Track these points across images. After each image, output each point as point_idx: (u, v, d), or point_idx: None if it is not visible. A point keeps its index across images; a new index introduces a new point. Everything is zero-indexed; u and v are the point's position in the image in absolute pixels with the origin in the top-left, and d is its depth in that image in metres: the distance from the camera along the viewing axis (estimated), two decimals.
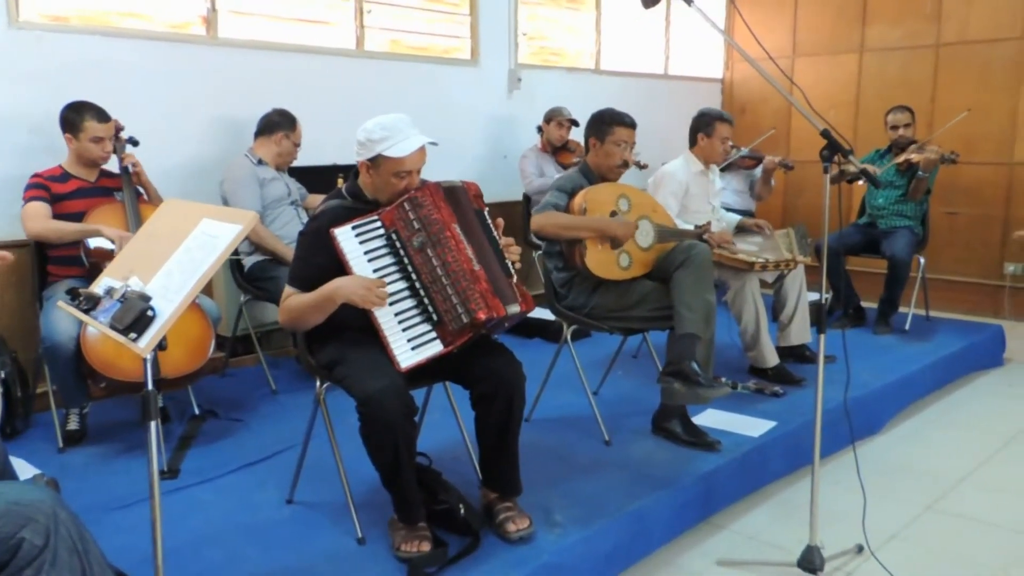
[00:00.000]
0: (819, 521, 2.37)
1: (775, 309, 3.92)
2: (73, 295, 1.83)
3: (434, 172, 2.44)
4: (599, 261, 2.93)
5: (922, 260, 4.82)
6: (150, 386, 1.75)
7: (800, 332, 3.87)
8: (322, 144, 4.16)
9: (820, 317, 2.29)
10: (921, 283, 4.83)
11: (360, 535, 2.31)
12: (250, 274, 3.68)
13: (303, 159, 3.96)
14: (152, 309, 1.63)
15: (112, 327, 1.64)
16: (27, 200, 3.07)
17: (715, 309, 2.90)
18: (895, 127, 4.73)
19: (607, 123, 3.09)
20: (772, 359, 3.66)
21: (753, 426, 3.12)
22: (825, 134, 2.19)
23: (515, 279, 2.33)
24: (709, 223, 3.36)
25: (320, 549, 2.28)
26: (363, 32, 4.62)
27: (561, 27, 5.82)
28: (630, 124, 3.10)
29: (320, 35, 4.47)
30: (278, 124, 3.74)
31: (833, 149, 2.19)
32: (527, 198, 5.04)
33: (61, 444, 3.00)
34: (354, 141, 2.29)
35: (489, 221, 2.38)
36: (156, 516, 1.76)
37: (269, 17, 4.24)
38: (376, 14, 4.68)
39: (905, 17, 5.91)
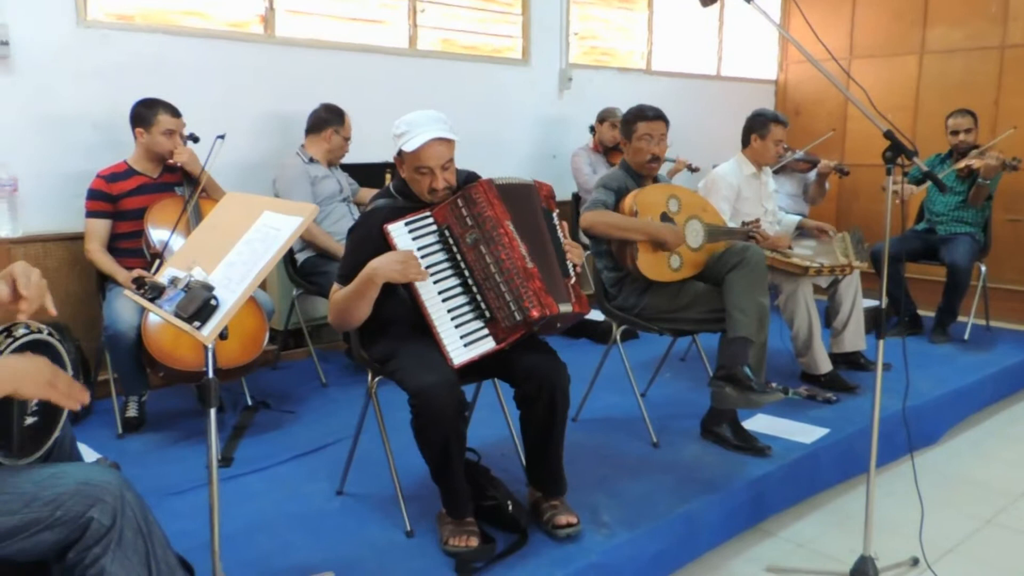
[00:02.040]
0: (874, 531, 2.32)
1: (828, 315, 3.84)
2: (138, 284, 1.89)
3: (484, 171, 2.45)
4: (650, 263, 2.91)
5: (983, 268, 4.68)
6: (210, 374, 1.80)
7: (854, 339, 3.79)
8: (374, 142, 4.19)
9: (880, 323, 2.24)
10: (982, 292, 4.69)
11: (409, 528, 2.33)
12: (302, 268, 3.74)
13: (355, 156, 4.01)
14: (215, 299, 1.66)
15: (176, 315, 1.68)
16: (89, 212, 3.19)
17: (768, 312, 2.85)
18: (956, 132, 4.60)
19: (631, 121, 3.08)
20: (825, 365, 3.59)
21: (805, 432, 3.06)
22: (889, 135, 2.14)
23: (573, 280, 2.33)
24: (758, 220, 3.31)
25: (369, 540, 2.30)
26: (416, 31, 4.66)
27: (612, 27, 5.80)
28: (652, 116, 3.04)
29: (374, 34, 4.52)
30: (327, 121, 3.78)
31: (897, 151, 2.14)
32: (577, 197, 5.04)
33: (120, 430, 3.09)
34: None
35: (556, 222, 2.38)
36: (214, 502, 1.81)
37: (325, 16, 4.31)
38: (429, 13, 4.72)
39: (969, 18, 5.75)
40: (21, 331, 1.55)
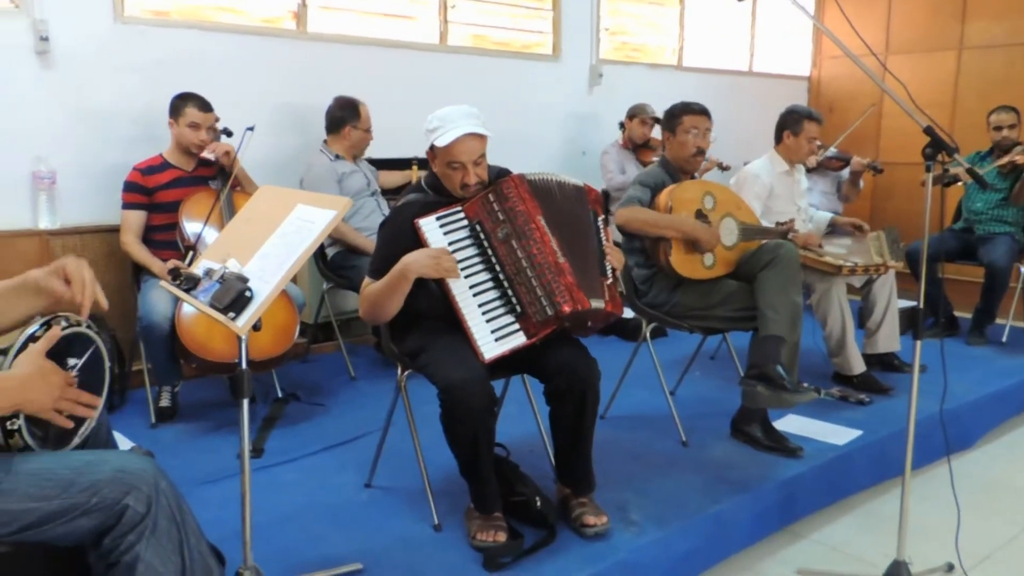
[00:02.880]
0: (908, 535, 2.28)
1: (862, 315, 3.78)
2: (174, 275, 1.91)
3: (513, 167, 2.45)
4: (683, 260, 2.88)
5: (1023, 269, 4.58)
6: (244, 365, 1.81)
7: (888, 339, 3.73)
8: (404, 137, 4.20)
9: (917, 323, 2.20)
10: (1021, 293, 4.59)
11: (436, 522, 2.33)
12: (332, 262, 3.76)
13: (385, 151, 4.03)
14: (250, 290, 1.68)
15: (212, 306, 1.69)
16: (125, 204, 3.24)
17: (801, 311, 2.82)
18: (999, 127, 4.50)
19: (676, 114, 3.07)
20: (858, 366, 3.53)
21: (837, 434, 3.02)
22: (929, 131, 2.10)
23: (610, 281, 2.32)
24: (793, 220, 3.27)
25: (397, 533, 2.31)
26: (446, 27, 4.66)
27: (643, 22, 5.76)
28: (699, 111, 3.06)
29: (405, 30, 4.53)
30: (342, 119, 3.77)
31: (937, 147, 2.09)
32: (606, 194, 5.01)
33: (153, 420, 3.14)
34: None
35: (601, 225, 2.38)
36: (247, 491, 1.82)
37: (356, 12, 4.33)
38: (460, 9, 4.72)
39: (1010, 12, 5.62)
40: (62, 324, 1.58)
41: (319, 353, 4.12)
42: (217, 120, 3.42)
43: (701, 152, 3.04)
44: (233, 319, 1.65)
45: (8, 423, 1.45)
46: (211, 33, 3.78)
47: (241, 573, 1.84)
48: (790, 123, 3.72)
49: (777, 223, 3.24)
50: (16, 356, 1.49)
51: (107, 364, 1.73)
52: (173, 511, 1.48)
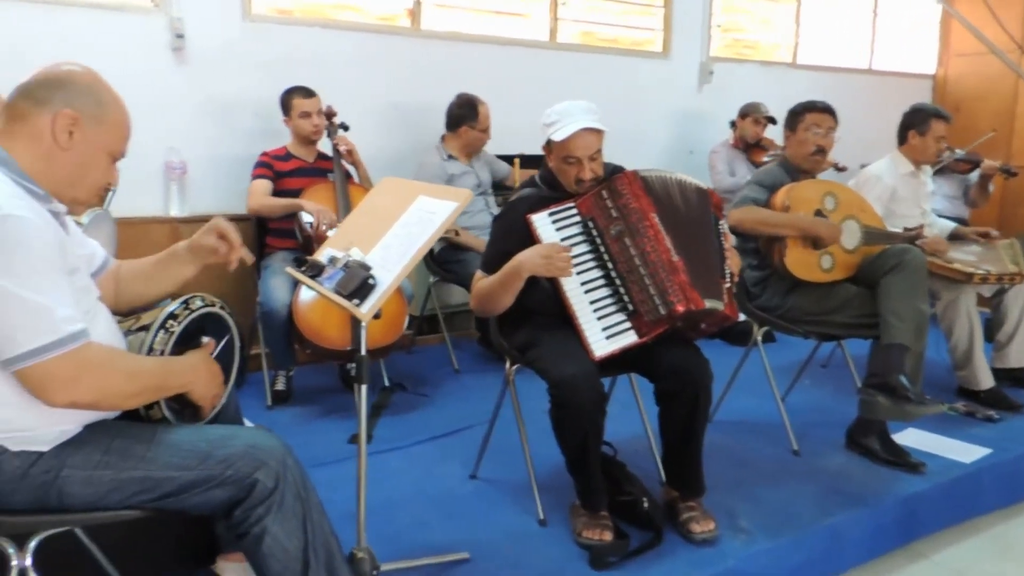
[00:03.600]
0: None
1: (992, 327, 3.54)
2: (299, 262, 1.98)
3: (620, 163, 2.41)
4: (799, 261, 2.78)
5: None
6: (363, 351, 1.86)
7: (1020, 354, 3.49)
8: (512, 133, 4.23)
9: None
10: None
11: (542, 516, 2.33)
12: (439, 256, 3.82)
13: (493, 147, 4.05)
14: (373, 278, 1.72)
15: (337, 292, 1.75)
16: (254, 177, 3.39)
17: (928, 320, 2.67)
18: None
19: (798, 112, 2.99)
20: (986, 380, 3.32)
21: (963, 451, 2.85)
22: None
23: (728, 284, 2.26)
24: (922, 226, 3.10)
25: (502, 526, 2.32)
26: (557, 24, 4.66)
27: (756, 19, 5.60)
28: (822, 108, 2.96)
29: (516, 27, 4.56)
30: (461, 117, 3.82)
31: None
32: None
33: (269, 402, 3.27)
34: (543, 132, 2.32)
35: (722, 229, 2.34)
36: (362, 474, 1.88)
37: (469, 10, 4.38)
38: (570, 6, 4.71)
39: None
40: (197, 303, 1.66)
41: (423, 345, 4.20)
42: (334, 114, 3.54)
43: (822, 151, 2.93)
44: (357, 305, 1.69)
45: None
46: (331, 31, 3.91)
47: (355, 554, 1.89)
48: (916, 122, 3.53)
49: (904, 228, 3.08)
50: (157, 332, 1.58)
51: (238, 344, 1.81)
52: (299, 488, 1.54)
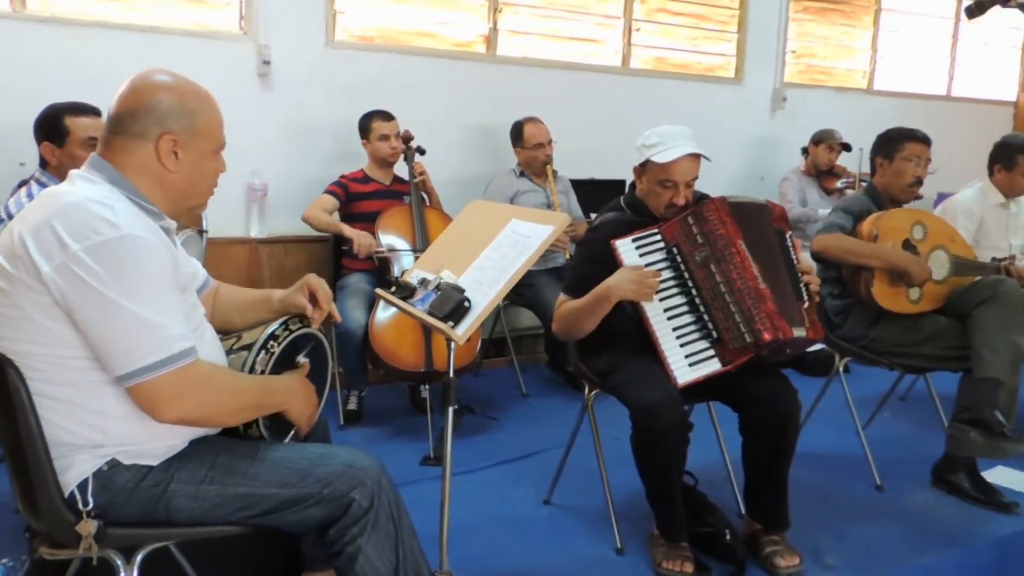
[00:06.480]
0: None
1: None
2: (388, 283, 2.01)
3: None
4: (886, 292, 2.71)
5: None
6: (451, 373, 1.88)
7: None
8: (585, 158, 4.25)
9: None
10: None
11: (619, 545, 2.30)
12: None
13: (567, 170, 4.05)
14: (468, 300, 1.73)
15: (431, 314, 1.76)
16: (324, 192, 3.48)
17: (1023, 354, 2.57)
18: None
19: (896, 139, 2.89)
20: None
21: None
22: None
23: (807, 304, 2.21)
24: (1014, 256, 2.99)
25: (579, 553, 2.30)
26: (630, 50, 4.67)
27: (832, 44, 5.52)
28: (922, 139, 2.89)
29: (589, 52, 4.59)
30: (512, 140, 3.89)
31: None
32: None
33: (342, 422, 3.31)
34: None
35: (790, 244, 2.28)
36: (446, 496, 1.88)
37: (543, 35, 4.43)
38: (643, 32, 4.72)
39: None
40: (296, 324, 1.70)
41: (490, 368, 4.21)
42: (412, 138, 3.60)
43: (919, 182, 2.87)
44: (452, 327, 1.71)
45: None
46: (409, 56, 3.99)
47: None
48: (1001, 157, 3.42)
49: (993, 258, 2.98)
50: (259, 353, 1.61)
51: (330, 364, 1.84)
52: (392, 509, 1.55)
